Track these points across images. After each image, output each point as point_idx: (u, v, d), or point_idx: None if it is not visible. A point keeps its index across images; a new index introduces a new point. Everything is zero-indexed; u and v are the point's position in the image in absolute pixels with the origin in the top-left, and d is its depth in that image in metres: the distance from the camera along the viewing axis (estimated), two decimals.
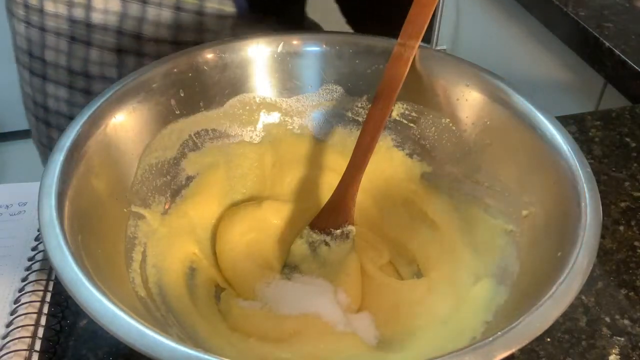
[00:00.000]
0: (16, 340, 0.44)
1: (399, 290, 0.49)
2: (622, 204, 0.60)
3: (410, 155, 0.55)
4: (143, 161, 0.49)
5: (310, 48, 0.56)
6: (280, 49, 0.56)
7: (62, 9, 0.66)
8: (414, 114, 0.54)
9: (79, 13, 0.66)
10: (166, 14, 0.65)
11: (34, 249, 0.51)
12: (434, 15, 1.10)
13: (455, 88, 0.52)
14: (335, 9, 0.79)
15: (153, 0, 0.64)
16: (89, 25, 0.67)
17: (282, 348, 0.45)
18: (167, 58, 0.52)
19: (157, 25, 0.66)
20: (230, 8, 0.66)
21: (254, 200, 0.56)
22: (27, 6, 0.68)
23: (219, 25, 0.66)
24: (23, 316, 0.46)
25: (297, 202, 0.56)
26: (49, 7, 0.67)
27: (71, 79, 0.71)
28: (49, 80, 0.72)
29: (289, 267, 0.53)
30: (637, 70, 0.82)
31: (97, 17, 0.66)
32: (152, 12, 0.65)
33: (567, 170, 0.43)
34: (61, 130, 0.67)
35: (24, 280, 0.48)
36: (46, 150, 0.79)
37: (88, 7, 0.66)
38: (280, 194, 0.57)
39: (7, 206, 0.55)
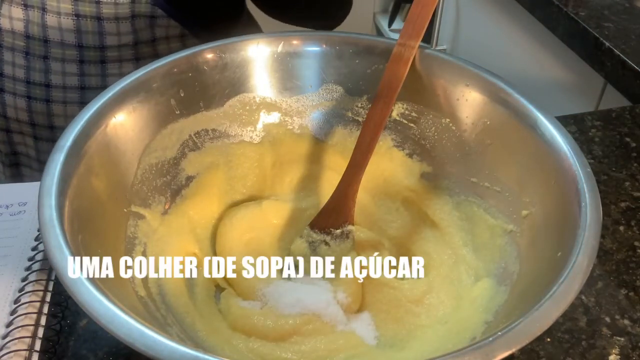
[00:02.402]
0: (16, 340, 0.44)
1: (399, 290, 0.49)
2: (622, 204, 0.60)
3: (410, 155, 0.55)
4: (143, 161, 0.49)
5: (310, 48, 0.56)
6: (280, 49, 0.56)
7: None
8: (414, 114, 0.55)
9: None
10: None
11: (34, 249, 0.51)
12: (434, 15, 1.10)
13: (455, 88, 0.52)
14: None
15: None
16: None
17: (282, 348, 0.45)
18: (167, 58, 0.52)
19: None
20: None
21: (254, 200, 0.56)
22: None
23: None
24: (23, 316, 0.46)
25: (297, 201, 0.56)
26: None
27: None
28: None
29: (288, 267, 0.53)
30: (637, 70, 0.82)
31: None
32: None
33: (567, 170, 0.43)
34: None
35: (24, 280, 0.48)
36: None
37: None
38: (280, 194, 0.57)
39: (7, 206, 0.55)
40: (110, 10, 0.65)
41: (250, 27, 0.81)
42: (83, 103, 0.69)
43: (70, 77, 0.69)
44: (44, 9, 0.65)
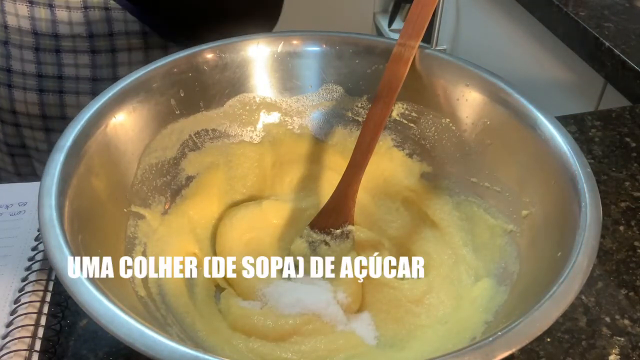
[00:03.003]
0: (16, 340, 0.44)
1: (399, 290, 0.49)
2: (622, 204, 0.60)
3: (410, 155, 0.55)
4: (143, 161, 0.49)
5: (310, 48, 0.56)
6: (280, 49, 0.56)
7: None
8: (414, 114, 0.55)
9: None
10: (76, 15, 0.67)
11: (34, 249, 0.51)
12: (434, 15, 1.10)
13: (455, 88, 0.52)
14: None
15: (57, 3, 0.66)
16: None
17: (282, 348, 0.45)
18: (167, 58, 0.52)
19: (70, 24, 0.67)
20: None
21: (254, 200, 0.56)
22: None
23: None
24: (23, 316, 0.46)
25: (297, 201, 0.56)
26: None
27: None
28: None
29: (288, 267, 0.53)
30: (637, 70, 0.82)
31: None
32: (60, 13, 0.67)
33: (567, 170, 0.43)
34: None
35: (24, 280, 0.48)
36: None
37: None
38: (280, 194, 0.57)
39: (7, 206, 0.55)
40: None
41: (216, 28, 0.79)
42: (41, 90, 0.71)
43: (28, 64, 0.70)
44: None
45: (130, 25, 0.69)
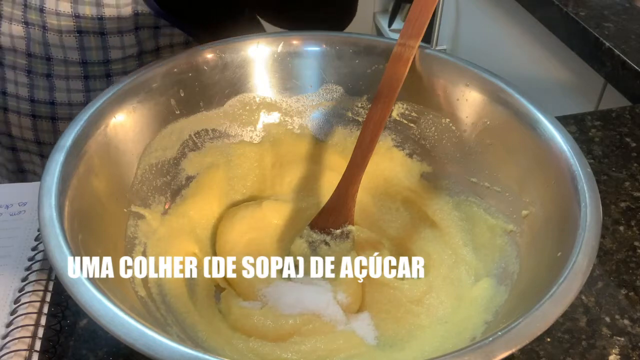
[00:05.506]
0: (16, 340, 0.44)
1: (399, 290, 0.49)
2: (622, 204, 0.60)
3: (410, 155, 0.55)
4: (143, 161, 0.49)
5: (310, 48, 0.56)
6: (280, 49, 0.56)
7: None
8: (414, 114, 0.55)
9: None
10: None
11: (34, 249, 0.51)
12: (434, 15, 1.10)
13: (455, 88, 0.52)
14: None
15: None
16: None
17: (282, 348, 0.45)
18: (167, 58, 0.52)
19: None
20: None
21: (254, 200, 0.56)
22: None
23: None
24: (23, 316, 0.46)
25: (297, 202, 0.56)
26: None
27: None
28: None
29: (288, 267, 0.53)
30: (637, 70, 0.82)
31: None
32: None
33: (567, 170, 0.43)
34: None
35: (24, 280, 0.48)
36: None
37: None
38: (280, 194, 0.57)
39: (7, 206, 0.55)
40: (114, 25, 0.64)
41: (255, 29, 0.80)
42: None
43: (76, 94, 0.68)
44: (44, 27, 0.64)
45: (176, 37, 0.68)
